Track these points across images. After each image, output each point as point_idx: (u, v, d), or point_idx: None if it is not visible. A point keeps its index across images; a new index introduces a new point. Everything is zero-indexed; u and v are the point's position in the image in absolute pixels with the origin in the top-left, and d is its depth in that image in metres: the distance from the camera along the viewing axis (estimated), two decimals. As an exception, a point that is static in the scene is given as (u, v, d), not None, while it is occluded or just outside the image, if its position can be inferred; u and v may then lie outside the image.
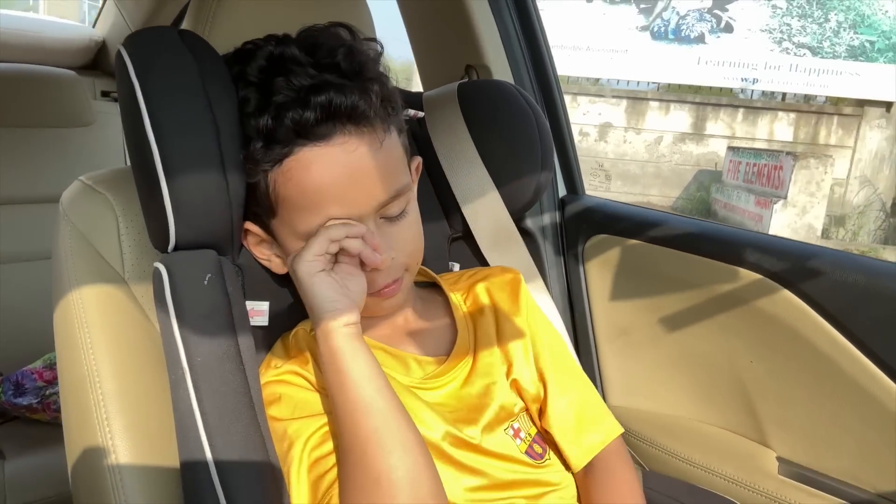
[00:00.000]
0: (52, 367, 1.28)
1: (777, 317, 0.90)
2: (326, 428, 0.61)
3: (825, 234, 5.77)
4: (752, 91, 7.02)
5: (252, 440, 0.60)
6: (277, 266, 0.71)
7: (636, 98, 7.06)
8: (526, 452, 0.68)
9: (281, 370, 0.66)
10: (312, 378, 0.65)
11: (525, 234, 1.06)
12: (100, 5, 1.97)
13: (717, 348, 0.99)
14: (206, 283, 0.63)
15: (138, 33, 0.64)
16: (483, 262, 0.96)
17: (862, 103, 6.48)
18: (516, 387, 0.72)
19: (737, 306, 0.95)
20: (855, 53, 6.62)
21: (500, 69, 1.10)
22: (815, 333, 0.86)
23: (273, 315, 0.74)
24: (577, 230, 1.14)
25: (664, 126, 6.99)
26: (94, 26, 2.03)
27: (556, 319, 1.01)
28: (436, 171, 0.95)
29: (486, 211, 0.95)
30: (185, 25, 0.81)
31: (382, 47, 0.69)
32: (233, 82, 0.63)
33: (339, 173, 0.61)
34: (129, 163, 1.83)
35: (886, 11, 6.48)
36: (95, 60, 2.04)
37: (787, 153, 5.99)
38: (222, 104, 0.61)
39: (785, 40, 6.77)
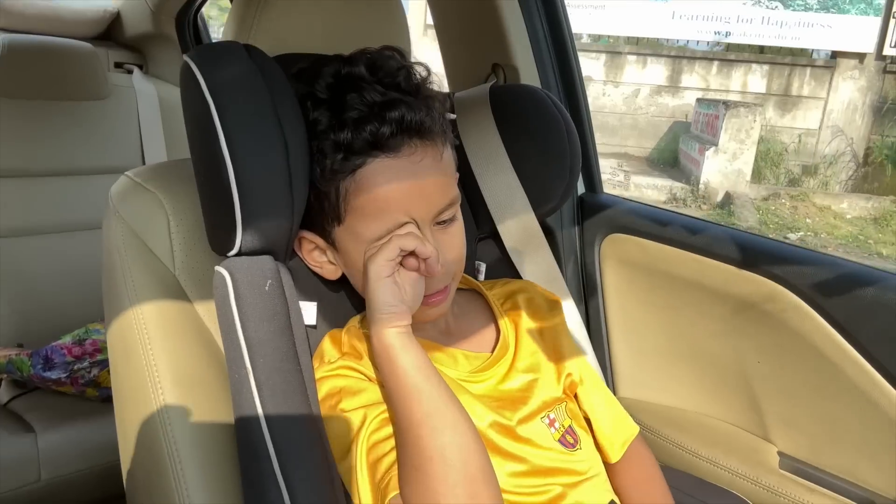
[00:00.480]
0: (80, 343, 1.31)
1: (786, 322, 0.95)
2: (385, 415, 0.66)
3: (754, 178, 6.07)
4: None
5: (312, 437, 0.65)
6: (329, 272, 0.75)
7: (613, 52, 7.23)
8: (559, 441, 0.74)
9: (336, 365, 0.71)
10: (366, 371, 0.70)
11: (544, 229, 1.11)
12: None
13: (726, 348, 1.04)
14: (267, 288, 0.67)
15: (207, 48, 0.66)
16: (508, 262, 1.00)
17: (835, 55, 6.56)
18: (569, 380, 0.78)
19: (747, 309, 1.00)
20: (826, 5, 6.67)
21: (527, 69, 1.12)
22: (822, 340, 0.92)
23: (319, 315, 0.78)
24: (595, 228, 1.18)
25: (641, 79, 7.19)
26: (107, -4, 2.01)
27: (572, 313, 1.06)
28: (465, 172, 0.98)
29: (513, 213, 0.99)
30: (227, 30, 0.84)
31: (429, 70, 0.74)
32: (298, 99, 0.66)
33: (406, 183, 0.66)
34: (144, 145, 1.82)
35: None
36: (108, 31, 2.03)
37: (723, 102, 6.19)
38: (290, 122, 0.64)
39: (757, -7, 6.86)
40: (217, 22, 4.33)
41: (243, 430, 0.65)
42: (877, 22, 6.31)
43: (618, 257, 1.16)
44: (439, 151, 0.68)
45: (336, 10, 0.84)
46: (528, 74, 1.12)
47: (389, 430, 0.65)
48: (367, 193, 0.66)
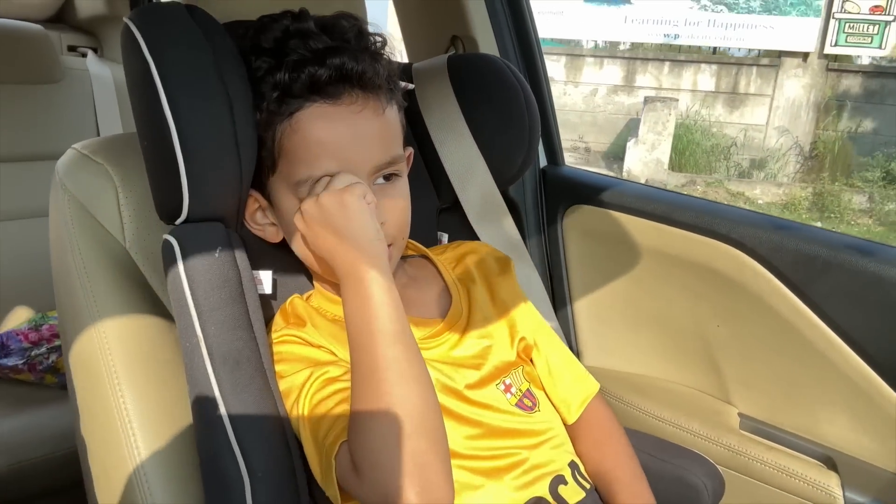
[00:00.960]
0: (37, 328, 1.28)
1: (744, 284, 0.97)
2: (328, 375, 0.65)
3: (671, 167, 6.50)
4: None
5: (265, 402, 0.64)
6: (271, 234, 0.74)
7: (573, 55, 7.69)
8: (517, 405, 0.74)
9: (280, 333, 0.70)
10: (309, 338, 0.69)
11: (508, 202, 1.10)
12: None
13: (687, 313, 1.05)
14: (216, 255, 0.65)
15: (146, 9, 0.64)
16: (471, 233, 1.00)
17: (780, 54, 6.86)
18: (522, 343, 0.78)
19: (706, 274, 1.01)
20: (769, 7, 6.99)
21: (486, 40, 1.12)
22: (778, 301, 0.94)
23: (279, 285, 0.77)
24: (557, 200, 1.18)
25: (599, 80, 7.59)
26: (58, -23, 1.95)
27: (536, 284, 1.06)
28: (426, 143, 0.98)
29: (474, 183, 0.98)
30: None
31: (385, 39, 0.73)
32: (242, 55, 0.65)
33: (343, 130, 0.66)
34: (100, 129, 1.77)
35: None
36: (60, 13, 1.97)
37: (645, 98, 6.63)
38: (234, 80, 0.63)
39: (703, -3, 7.21)
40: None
41: (197, 400, 0.64)
42: (817, 23, 6.50)
43: (580, 228, 1.16)
44: (381, 106, 0.68)
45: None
46: (487, 45, 1.11)
47: (333, 387, 0.63)
48: (300, 137, 0.65)
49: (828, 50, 6.47)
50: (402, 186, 0.73)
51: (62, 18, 1.99)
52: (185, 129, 0.60)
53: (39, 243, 1.54)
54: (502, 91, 0.95)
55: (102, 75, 1.79)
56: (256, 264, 0.75)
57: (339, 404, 0.61)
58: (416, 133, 0.98)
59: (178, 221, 0.66)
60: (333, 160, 0.66)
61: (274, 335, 0.70)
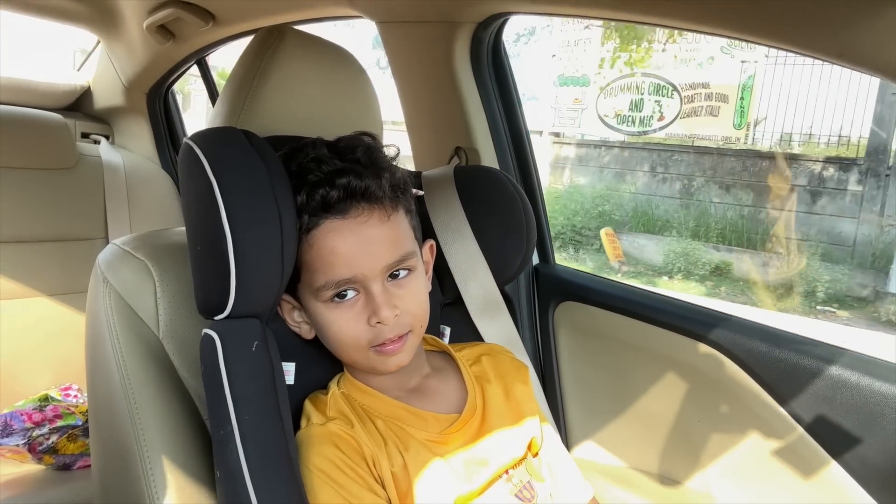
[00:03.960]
0: (41, 409, 1.31)
1: (722, 383, 1.05)
2: None
3: None
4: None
5: (292, 489, 0.69)
6: (306, 332, 0.81)
7: None
8: (516, 495, 0.80)
9: (327, 430, 0.75)
10: (358, 438, 0.75)
11: (504, 297, 1.19)
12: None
13: (670, 408, 1.13)
14: (254, 349, 0.72)
15: (207, 132, 0.74)
16: (471, 326, 1.07)
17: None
18: (530, 441, 0.84)
19: (687, 372, 1.09)
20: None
21: (487, 152, 1.24)
22: (753, 399, 1.02)
23: (296, 374, 0.84)
24: (549, 296, 1.27)
25: None
26: (78, 70, 2.08)
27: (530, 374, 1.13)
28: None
29: (476, 281, 1.07)
30: (216, 114, 0.91)
31: (399, 150, 0.84)
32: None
33: (352, 240, 0.74)
34: (109, 214, 1.83)
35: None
36: (77, 102, 2.09)
37: None
38: (285, 198, 0.71)
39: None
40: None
41: (227, 486, 0.69)
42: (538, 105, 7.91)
43: (570, 323, 1.25)
44: (387, 214, 0.76)
45: (316, 97, 0.93)
46: (488, 156, 1.23)
47: None
48: (315, 250, 0.74)
49: (551, 129, 7.92)
50: (416, 279, 0.80)
51: (78, 107, 2.10)
52: (241, 243, 0.68)
53: (40, 323, 1.60)
54: (503, 201, 1.06)
55: (114, 162, 1.89)
56: (282, 356, 0.82)
57: None
58: (424, 233, 1.07)
59: (220, 317, 0.73)
60: (346, 266, 0.74)
61: (315, 428, 0.75)
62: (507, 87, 1.28)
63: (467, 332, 1.07)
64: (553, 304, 1.26)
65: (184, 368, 0.83)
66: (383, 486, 0.74)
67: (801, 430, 0.97)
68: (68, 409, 1.34)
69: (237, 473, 0.68)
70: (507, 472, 0.80)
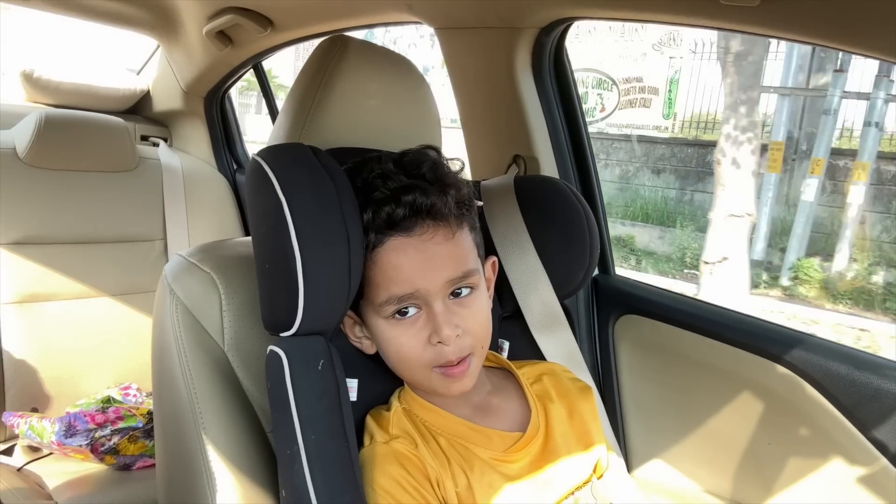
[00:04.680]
0: (103, 410, 1.34)
1: (795, 405, 1.00)
2: None
3: None
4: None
5: (358, 510, 0.69)
6: (367, 347, 0.80)
7: None
8: None
9: (391, 449, 0.74)
10: (422, 457, 0.73)
11: (562, 310, 1.16)
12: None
13: (738, 428, 1.08)
14: (319, 367, 0.71)
15: (275, 149, 0.74)
16: (531, 341, 1.05)
17: None
18: (596, 463, 0.82)
19: (757, 391, 1.05)
20: None
21: (547, 161, 1.21)
22: (831, 423, 0.97)
23: (358, 390, 0.83)
24: (609, 309, 1.24)
25: None
26: (138, 74, 2.13)
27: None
28: (490, 254, 1.05)
29: (536, 294, 1.04)
30: (279, 126, 0.91)
31: (463, 165, 0.83)
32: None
33: (415, 257, 0.73)
34: (167, 215, 1.86)
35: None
36: (136, 105, 2.14)
37: None
38: (352, 216, 0.70)
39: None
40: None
41: (293, 505, 0.69)
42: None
43: (631, 338, 1.21)
44: (451, 231, 0.75)
45: (377, 107, 0.92)
46: (548, 165, 1.20)
47: None
48: (378, 267, 0.73)
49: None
50: (478, 298, 0.78)
51: (137, 110, 2.15)
52: (309, 263, 0.67)
53: (100, 323, 1.64)
54: (566, 213, 1.03)
55: (172, 164, 1.92)
56: (345, 372, 0.82)
57: None
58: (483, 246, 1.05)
59: (286, 334, 0.73)
60: (407, 282, 0.73)
61: (380, 446, 0.74)
62: (568, 95, 1.25)
63: (526, 347, 1.04)
64: (613, 318, 1.23)
65: (248, 381, 0.83)
66: None
67: (884, 460, 0.92)
68: (129, 411, 1.36)
69: (303, 494, 0.68)
70: (572, 493, 0.78)
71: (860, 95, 5.72)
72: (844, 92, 5.70)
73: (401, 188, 0.73)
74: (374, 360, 0.82)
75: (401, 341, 0.75)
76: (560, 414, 0.83)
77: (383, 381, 0.86)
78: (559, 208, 1.04)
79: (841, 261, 5.58)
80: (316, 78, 0.88)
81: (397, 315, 0.74)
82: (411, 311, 0.74)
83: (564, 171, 1.22)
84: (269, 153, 0.72)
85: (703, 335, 1.11)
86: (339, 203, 0.69)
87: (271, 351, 0.72)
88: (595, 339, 1.24)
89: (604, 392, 1.23)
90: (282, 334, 0.73)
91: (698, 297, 1.18)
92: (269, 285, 0.73)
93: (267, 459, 0.79)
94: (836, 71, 5.72)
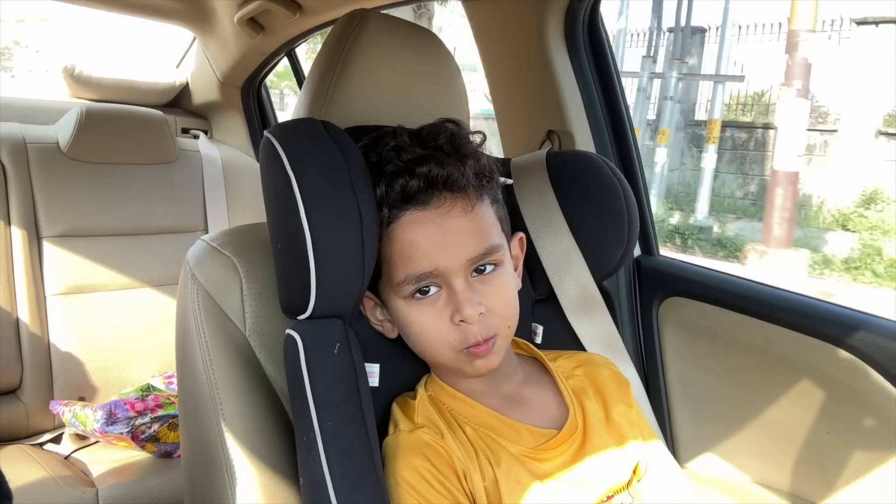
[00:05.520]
0: (143, 398, 1.35)
1: (858, 391, 0.92)
2: None
3: None
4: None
5: (377, 499, 0.65)
6: (389, 330, 0.77)
7: None
8: None
9: (416, 440, 0.70)
10: (449, 448, 0.70)
11: (601, 292, 1.10)
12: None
13: (794, 417, 1.01)
14: (336, 351, 0.68)
15: (286, 125, 0.71)
16: (566, 326, 1.00)
17: None
18: (636, 465, 0.76)
19: (816, 377, 0.97)
20: None
21: (583, 136, 1.15)
22: (898, 412, 0.88)
23: (380, 376, 0.79)
24: (652, 291, 1.17)
25: None
26: (177, 67, 2.15)
27: (631, 379, 1.04)
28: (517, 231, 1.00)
29: (571, 276, 0.99)
30: (300, 104, 0.88)
31: (484, 137, 0.78)
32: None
33: (432, 231, 0.69)
34: (208, 206, 1.88)
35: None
36: (176, 99, 2.16)
37: None
38: (364, 192, 0.67)
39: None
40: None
41: (310, 494, 0.66)
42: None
43: (677, 321, 1.14)
44: (470, 203, 0.71)
45: (400, 83, 0.88)
46: (584, 140, 1.14)
47: None
48: (395, 244, 0.70)
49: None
50: (503, 275, 0.74)
51: (177, 103, 2.18)
52: (320, 239, 0.64)
53: (144, 313, 1.66)
54: (602, 188, 0.97)
55: (212, 156, 1.93)
56: (366, 357, 0.78)
57: None
58: (513, 225, 1.00)
59: (302, 317, 0.70)
60: (426, 259, 0.69)
61: (404, 436, 0.71)
62: (605, 66, 1.18)
63: (561, 332, 0.99)
64: (657, 301, 1.16)
65: (270, 366, 0.81)
66: (474, 501, 0.69)
67: (960, 451, 0.83)
68: (168, 398, 1.37)
69: (320, 482, 0.65)
70: (609, 496, 0.73)
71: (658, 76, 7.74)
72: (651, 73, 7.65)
73: (415, 159, 0.69)
74: (397, 345, 0.79)
75: (422, 322, 0.71)
76: (597, 411, 0.78)
77: (408, 366, 0.82)
78: (594, 184, 0.98)
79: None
80: (335, 54, 0.85)
81: (417, 294, 0.71)
82: (432, 289, 0.71)
83: (602, 145, 1.15)
84: (278, 129, 0.70)
85: (755, 317, 1.03)
86: (351, 179, 0.66)
87: (287, 334, 0.70)
88: (638, 324, 1.18)
89: (648, 379, 1.16)
90: (298, 318, 0.71)
91: (749, 277, 1.10)
92: (282, 266, 0.70)
93: (289, 447, 0.77)
94: (644, 57, 7.67)
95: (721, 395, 1.08)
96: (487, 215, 0.74)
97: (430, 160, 0.69)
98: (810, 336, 0.96)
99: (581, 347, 0.96)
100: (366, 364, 0.77)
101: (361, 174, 0.68)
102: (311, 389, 0.67)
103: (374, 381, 0.77)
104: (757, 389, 1.04)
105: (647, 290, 1.18)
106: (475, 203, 0.72)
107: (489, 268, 0.72)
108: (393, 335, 0.77)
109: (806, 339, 0.96)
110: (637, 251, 1.23)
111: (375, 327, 0.78)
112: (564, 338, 0.98)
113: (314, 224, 0.64)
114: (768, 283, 1.09)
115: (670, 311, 1.15)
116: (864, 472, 0.93)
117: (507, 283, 0.74)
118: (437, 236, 0.69)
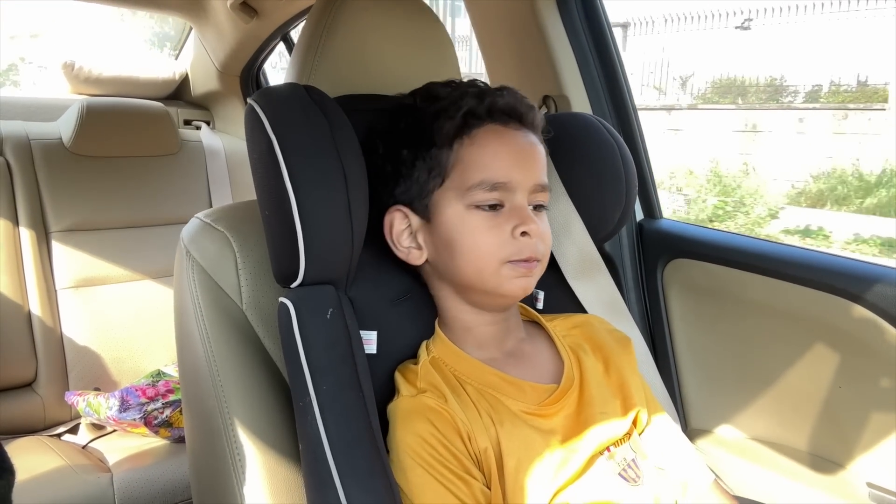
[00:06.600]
0: (154, 384, 1.36)
1: (867, 343, 0.90)
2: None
3: None
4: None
5: (374, 462, 0.65)
6: (415, 257, 0.77)
7: None
8: (619, 475, 0.71)
9: (419, 404, 0.70)
10: (453, 412, 0.69)
11: (604, 258, 1.09)
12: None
13: (803, 373, 0.99)
14: (328, 316, 0.68)
15: (268, 90, 0.70)
16: (567, 290, 0.98)
17: None
18: (636, 417, 0.76)
19: (824, 332, 0.95)
20: None
21: (579, 98, 1.13)
22: (910, 360, 0.86)
23: (379, 344, 0.79)
24: (656, 254, 1.16)
25: None
26: (176, 59, 2.15)
27: (637, 342, 1.03)
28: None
29: (570, 240, 0.98)
30: (287, 76, 0.88)
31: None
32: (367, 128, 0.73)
33: (512, 145, 0.74)
34: (212, 196, 1.89)
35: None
36: (177, 91, 2.17)
37: None
38: (349, 153, 0.66)
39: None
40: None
41: (309, 458, 0.66)
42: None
43: (682, 283, 1.13)
44: (538, 139, 0.77)
45: (389, 51, 0.87)
46: (580, 103, 1.12)
47: None
48: (476, 146, 0.72)
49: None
50: (545, 219, 0.78)
51: (179, 95, 2.18)
52: (305, 202, 0.64)
53: (154, 303, 1.68)
54: (598, 149, 0.96)
55: (215, 146, 1.94)
56: (363, 324, 0.78)
57: None
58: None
59: (294, 285, 0.70)
60: (502, 170, 0.72)
61: (406, 400, 0.71)
62: (598, 27, 1.16)
63: (563, 297, 0.98)
64: (662, 263, 1.15)
65: (269, 339, 0.80)
66: (479, 463, 0.68)
67: (973, 396, 0.81)
68: (178, 383, 1.38)
69: (317, 445, 0.65)
70: (608, 448, 0.72)
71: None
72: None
73: (496, 89, 0.74)
74: (395, 312, 0.79)
75: (481, 231, 0.72)
76: (595, 366, 0.78)
77: (406, 333, 0.82)
78: (589, 145, 0.96)
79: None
80: (320, 22, 0.84)
81: (483, 207, 0.72)
82: (497, 208, 0.72)
83: (599, 107, 1.14)
84: (260, 95, 0.69)
85: (762, 274, 1.01)
86: (334, 140, 0.65)
87: (280, 302, 0.70)
88: (643, 288, 1.17)
89: (655, 343, 1.15)
90: (291, 286, 0.71)
91: (753, 235, 1.08)
92: (271, 233, 0.70)
93: (289, 419, 0.77)
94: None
95: (729, 355, 1.07)
96: (546, 158, 0.78)
97: (510, 95, 0.74)
98: (823, 291, 0.94)
99: (584, 312, 0.95)
100: (363, 331, 0.76)
101: (346, 135, 0.68)
102: (305, 354, 0.66)
103: (371, 348, 0.77)
104: (766, 347, 1.03)
105: (651, 254, 1.16)
106: (540, 141, 0.77)
107: (541, 208, 0.76)
108: (419, 261, 0.76)
109: (818, 294, 0.94)
110: (640, 214, 1.22)
111: (399, 255, 0.77)
112: (566, 302, 0.97)
113: (299, 187, 0.63)
114: (774, 239, 1.06)
115: (675, 273, 1.13)
116: (882, 432, 0.91)
117: (548, 227, 0.77)
118: (517, 152, 0.73)
